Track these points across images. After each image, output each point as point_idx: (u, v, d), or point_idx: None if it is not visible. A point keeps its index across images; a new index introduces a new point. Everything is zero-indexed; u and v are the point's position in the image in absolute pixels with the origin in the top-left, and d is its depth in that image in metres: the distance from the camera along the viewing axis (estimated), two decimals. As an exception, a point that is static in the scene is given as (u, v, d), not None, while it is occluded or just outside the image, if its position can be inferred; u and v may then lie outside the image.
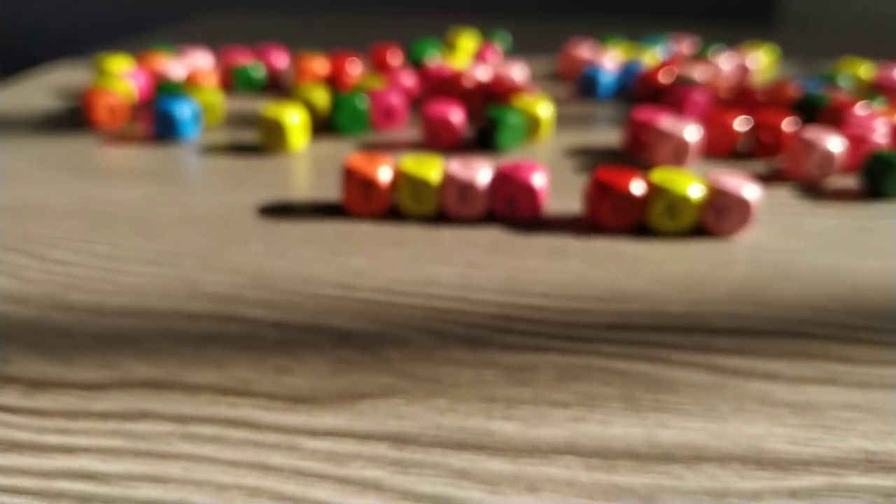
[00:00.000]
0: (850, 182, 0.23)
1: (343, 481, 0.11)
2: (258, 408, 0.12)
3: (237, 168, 0.24)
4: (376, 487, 0.11)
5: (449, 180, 0.19)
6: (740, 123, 0.24)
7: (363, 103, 0.26)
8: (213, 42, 0.48)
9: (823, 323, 0.15)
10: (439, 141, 0.25)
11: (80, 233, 0.19)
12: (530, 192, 0.19)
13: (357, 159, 0.20)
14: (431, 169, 0.19)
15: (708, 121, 0.24)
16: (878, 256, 0.18)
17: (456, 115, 0.25)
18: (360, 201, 0.19)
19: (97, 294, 0.16)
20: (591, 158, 0.25)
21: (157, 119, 0.25)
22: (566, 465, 0.11)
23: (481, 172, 0.19)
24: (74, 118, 0.29)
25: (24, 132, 0.27)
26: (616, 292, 0.16)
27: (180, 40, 0.48)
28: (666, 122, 0.23)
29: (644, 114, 0.24)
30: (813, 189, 0.23)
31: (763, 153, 0.24)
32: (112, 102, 0.26)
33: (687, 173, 0.19)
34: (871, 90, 0.31)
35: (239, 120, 0.29)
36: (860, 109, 0.25)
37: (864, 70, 0.32)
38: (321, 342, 0.14)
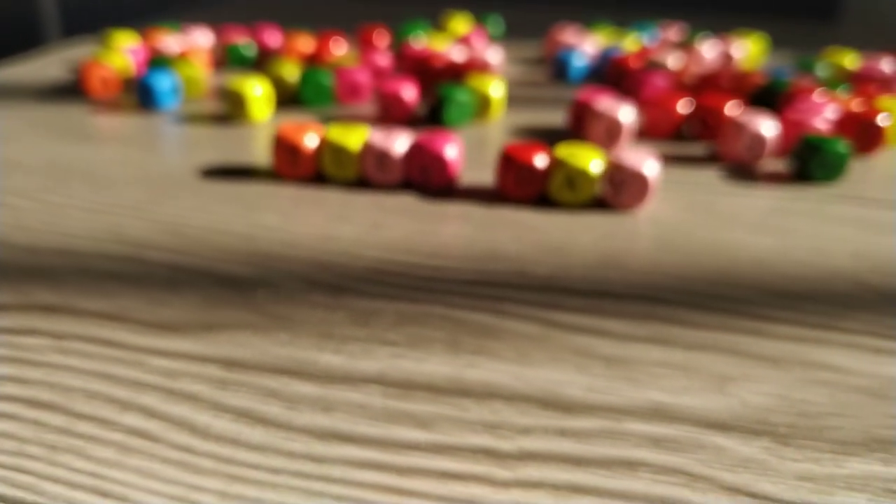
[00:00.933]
0: (782, 165, 0.23)
1: (168, 392, 0.12)
2: (129, 332, 0.14)
3: (200, 135, 0.25)
4: (193, 399, 0.12)
5: (368, 149, 0.20)
6: (682, 106, 0.24)
7: (327, 79, 0.27)
8: (247, 20, 0.50)
9: (682, 290, 0.16)
10: (392, 116, 0.26)
11: (41, 185, 0.21)
12: (442, 163, 0.20)
13: (287, 127, 0.21)
14: (354, 137, 0.21)
15: (650, 103, 0.24)
16: (776, 235, 0.19)
17: (408, 92, 0.26)
18: (288, 165, 0.21)
19: (35, 234, 0.18)
20: (535, 137, 0.26)
21: (138, 90, 0.27)
22: (367, 393, 0.12)
23: (398, 142, 0.20)
24: (74, 88, 0.31)
25: (27, 99, 0.30)
26: (493, 254, 0.17)
27: (217, 19, 0.51)
28: (601, 102, 0.23)
29: (586, 95, 0.25)
30: (742, 171, 0.23)
31: (706, 136, 0.24)
32: (105, 74, 0.29)
33: (592, 149, 0.20)
34: (847, 79, 0.30)
35: (223, 93, 0.31)
36: (817, 96, 0.25)
37: (850, 60, 0.31)
38: (204, 283, 0.16)
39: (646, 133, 0.25)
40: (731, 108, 0.24)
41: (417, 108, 0.28)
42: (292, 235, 0.18)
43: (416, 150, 0.20)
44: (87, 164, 0.23)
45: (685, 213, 0.20)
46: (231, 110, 0.26)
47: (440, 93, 0.25)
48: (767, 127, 0.22)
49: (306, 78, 0.27)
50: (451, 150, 0.20)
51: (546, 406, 0.12)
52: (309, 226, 0.19)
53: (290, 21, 0.51)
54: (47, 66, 0.36)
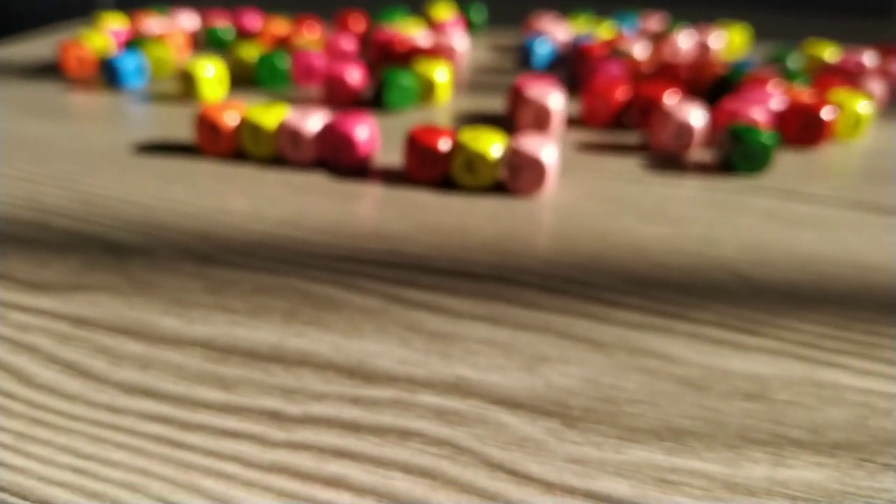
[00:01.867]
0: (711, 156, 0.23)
1: (16, 343, 0.13)
2: (5, 289, 0.15)
3: (153, 113, 0.26)
4: (34, 350, 0.13)
5: (283, 128, 0.21)
6: (621, 94, 0.24)
7: (283, 62, 0.28)
8: (239, 4, 0.52)
9: (541, 273, 0.16)
10: (336, 98, 0.26)
11: (-15, 154, 0.23)
12: (351, 143, 0.20)
13: (210, 107, 0.22)
14: (271, 116, 0.21)
15: (589, 91, 0.24)
16: (670, 224, 0.18)
17: (353, 75, 0.26)
18: (210, 142, 0.22)
19: (-42, 199, 0.19)
20: (473, 122, 0.26)
21: (104, 69, 0.28)
22: (189, 355, 0.13)
23: (312, 122, 0.21)
24: (56, 67, 0.33)
25: (10, 77, 0.31)
26: (374, 233, 0.17)
27: (212, 3, 0.52)
28: (531, 89, 0.23)
29: (522, 81, 0.24)
30: (668, 160, 0.22)
31: (643, 125, 0.24)
32: (81, 54, 0.30)
33: (495, 134, 0.20)
34: (819, 72, 0.28)
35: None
36: (769, 87, 0.24)
37: (829, 52, 0.30)
38: (92, 248, 0.17)
39: (585, 121, 0.25)
40: (668, 98, 0.23)
41: (366, 92, 0.28)
42: (191, 208, 0.19)
43: (327, 131, 0.21)
44: (38, 138, 0.24)
45: (585, 200, 0.19)
46: (185, 90, 0.27)
47: (382, 76, 0.26)
48: (696, 116, 0.21)
49: (262, 60, 0.28)
50: (362, 132, 0.20)
51: (351, 375, 0.12)
52: (210, 199, 0.19)
53: (281, 6, 0.52)
54: (39, 46, 0.38)
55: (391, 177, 0.21)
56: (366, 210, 0.19)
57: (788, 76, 0.26)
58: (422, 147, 0.19)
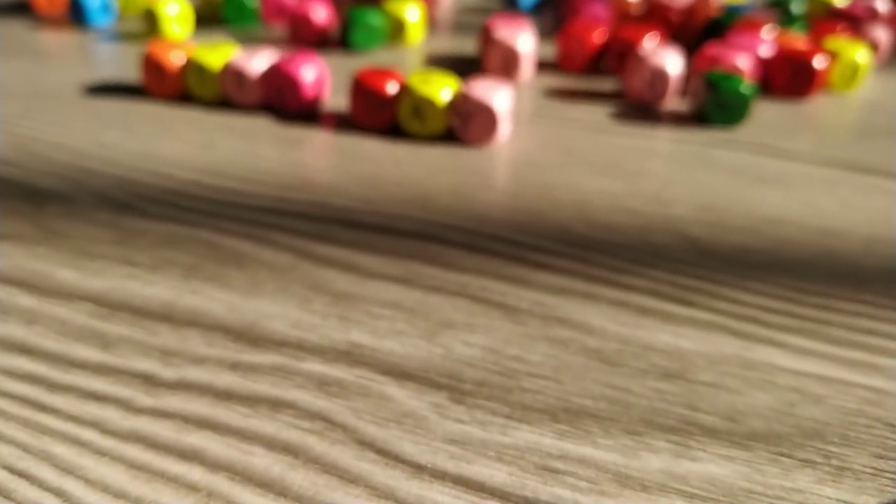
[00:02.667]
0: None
1: None
2: None
3: (113, 53, 0.25)
4: None
5: (228, 68, 0.20)
6: (598, 37, 0.22)
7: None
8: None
9: (471, 231, 0.15)
10: (301, 37, 0.25)
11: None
12: (296, 85, 0.19)
13: (156, 46, 0.21)
14: (217, 57, 0.20)
15: (565, 33, 0.22)
16: (626, 179, 0.17)
17: (318, 13, 0.24)
18: (156, 83, 0.20)
19: None
20: (444, 65, 0.24)
21: (70, 7, 0.27)
22: (76, 310, 0.12)
23: (256, 62, 0.19)
24: (27, 5, 0.32)
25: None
26: (304, 182, 0.16)
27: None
28: (500, 29, 0.21)
29: (493, 21, 0.23)
30: (640, 110, 0.21)
31: (620, 71, 0.22)
32: (47, -12, 0.29)
33: (448, 78, 0.18)
34: (823, 17, 0.26)
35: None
36: (762, 32, 0.22)
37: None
38: (11, 194, 0.16)
39: (560, 65, 0.23)
40: (647, 42, 0.21)
41: (334, 31, 0.27)
42: (120, 153, 0.18)
43: (272, 72, 0.19)
44: (-16, 75, 0.23)
45: (540, 152, 0.18)
46: (147, 28, 0.26)
47: (348, 14, 0.24)
48: (672, 62, 0.20)
49: (228, -4, 0.26)
50: (308, 73, 0.19)
51: (238, 339, 0.12)
52: (143, 144, 0.18)
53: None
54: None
55: (340, 123, 0.20)
56: (302, 157, 0.18)
57: (787, 21, 0.24)
58: (367, 91, 0.18)
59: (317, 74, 0.19)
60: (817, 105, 0.21)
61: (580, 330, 0.12)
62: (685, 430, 0.10)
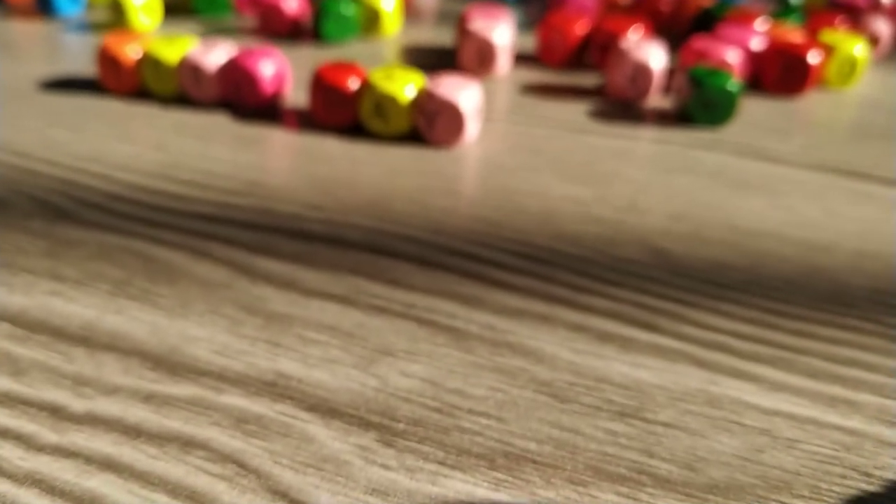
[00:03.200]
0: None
1: None
2: None
3: (78, 44, 0.24)
4: None
5: (184, 63, 0.18)
6: (581, 29, 0.21)
7: (220, -14, 0.25)
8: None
9: (423, 242, 0.14)
10: (272, 28, 0.24)
11: None
12: (254, 80, 0.18)
13: (112, 38, 0.20)
14: (175, 50, 0.19)
15: (546, 24, 0.21)
16: (596, 185, 0.16)
17: (289, 2, 0.23)
18: (112, 79, 0.19)
19: None
20: (420, 58, 0.23)
21: (35, -7, 0.26)
22: (-13, 331, 0.11)
23: (214, 55, 0.18)
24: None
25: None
26: (253, 186, 0.15)
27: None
28: (476, 20, 0.20)
29: (470, 11, 0.21)
30: (622, 108, 0.19)
31: (603, 65, 0.21)
32: (14, -25, 0.28)
33: (414, 73, 0.17)
34: (819, 9, 0.25)
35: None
36: (758, 24, 0.21)
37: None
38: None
39: (540, 58, 0.22)
40: (631, 34, 0.20)
41: (306, 22, 0.26)
42: (65, 154, 0.17)
43: (230, 67, 0.18)
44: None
45: (509, 154, 0.17)
46: (114, 19, 0.25)
47: (319, 4, 0.23)
48: (656, 56, 0.18)
49: (198, -16, 0.25)
50: (267, 68, 0.18)
51: (156, 366, 0.11)
52: (91, 144, 0.17)
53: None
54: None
55: (302, 120, 0.18)
56: (257, 158, 0.16)
57: (784, 12, 0.22)
58: (327, 87, 0.17)
59: (276, 69, 0.18)
60: (810, 103, 0.20)
61: (531, 359, 0.11)
62: (636, 480, 0.09)
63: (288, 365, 0.11)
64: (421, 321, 0.12)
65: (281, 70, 0.18)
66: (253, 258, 0.13)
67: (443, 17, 0.28)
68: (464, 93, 0.16)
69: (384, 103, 0.17)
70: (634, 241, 0.14)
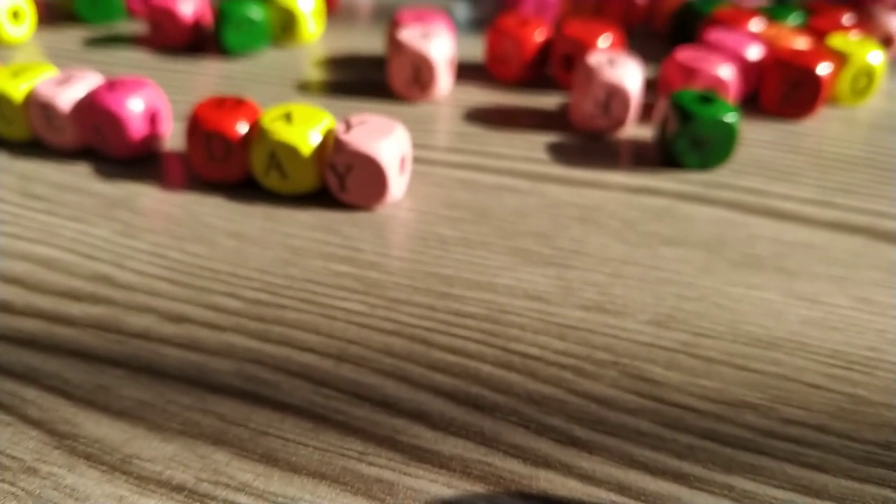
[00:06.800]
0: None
1: None
2: None
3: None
4: None
5: (32, 99, 0.14)
6: (539, 34, 0.17)
7: (105, -12, 0.21)
8: None
9: (315, 380, 0.10)
10: (165, 37, 0.19)
11: None
12: (118, 123, 0.14)
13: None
14: (19, 80, 0.15)
15: (497, 30, 0.17)
16: (543, 265, 0.12)
17: (185, 7, 0.19)
18: (-57, 117, 0.15)
19: None
20: (346, 73, 0.19)
21: None
22: None
23: (70, 90, 0.14)
24: None
25: None
26: (95, 285, 0.11)
27: None
28: (409, 29, 0.16)
29: (404, 16, 0.17)
30: (589, 140, 0.15)
31: (568, 82, 0.17)
32: None
33: (319, 112, 0.13)
34: (820, 2, 0.21)
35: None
36: (750, 28, 0.17)
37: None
38: None
39: (491, 70, 0.18)
40: (602, 42, 0.16)
41: (208, 29, 0.21)
42: None
43: (87, 104, 0.14)
44: None
45: (446, 220, 0.13)
46: (-27, 26, 0.20)
47: (219, 6, 0.19)
48: (632, 76, 0.15)
49: (79, -15, 0.21)
50: (136, 105, 0.14)
51: None
52: None
53: None
54: None
55: (189, 171, 0.14)
56: (111, 235, 0.12)
57: (781, 10, 0.19)
58: (206, 132, 0.13)
59: (146, 106, 0.14)
60: (819, 125, 0.16)
61: None
62: None
63: None
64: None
65: (153, 106, 0.14)
66: (17, 388, 0.09)
67: (378, 14, 0.23)
68: (384, 141, 0.12)
69: (281, 155, 0.13)
70: (606, 370, 0.10)
